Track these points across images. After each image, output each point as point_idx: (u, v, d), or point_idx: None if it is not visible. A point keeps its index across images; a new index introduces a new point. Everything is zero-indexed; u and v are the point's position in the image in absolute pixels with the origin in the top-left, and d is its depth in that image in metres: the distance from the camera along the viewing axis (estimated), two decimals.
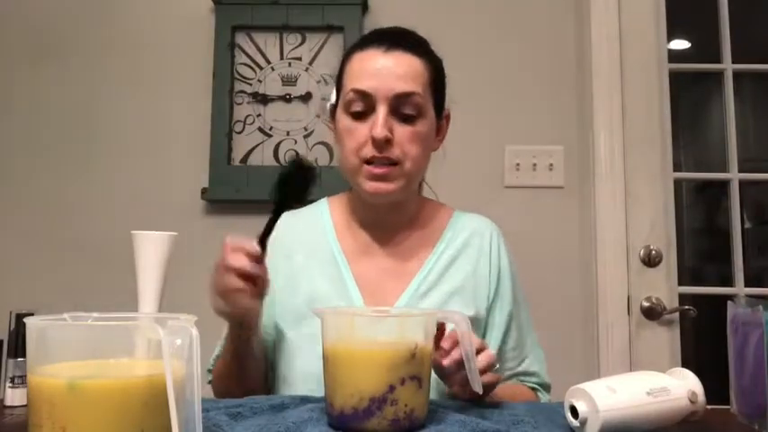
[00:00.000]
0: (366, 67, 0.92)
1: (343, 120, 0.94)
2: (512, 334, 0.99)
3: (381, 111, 0.90)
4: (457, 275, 0.98)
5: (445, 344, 0.75)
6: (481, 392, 0.74)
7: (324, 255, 0.99)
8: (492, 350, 0.91)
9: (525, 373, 1.00)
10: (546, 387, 1.02)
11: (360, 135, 0.91)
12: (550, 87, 1.73)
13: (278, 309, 0.97)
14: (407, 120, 0.91)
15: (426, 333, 0.70)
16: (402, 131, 0.91)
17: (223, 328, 0.91)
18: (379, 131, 0.88)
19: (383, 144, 0.89)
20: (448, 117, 1.02)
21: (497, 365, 0.73)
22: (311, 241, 1.00)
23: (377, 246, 0.99)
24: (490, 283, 0.99)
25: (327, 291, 0.95)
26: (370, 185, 0.92)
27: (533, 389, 1.00)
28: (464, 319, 0.72)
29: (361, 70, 0.92)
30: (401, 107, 0.91)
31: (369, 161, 0.91)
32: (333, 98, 1.00)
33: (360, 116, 0.92)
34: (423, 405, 0.68)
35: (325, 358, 0.70)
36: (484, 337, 0.97)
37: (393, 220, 1.00)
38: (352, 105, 0.92)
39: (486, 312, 0.98)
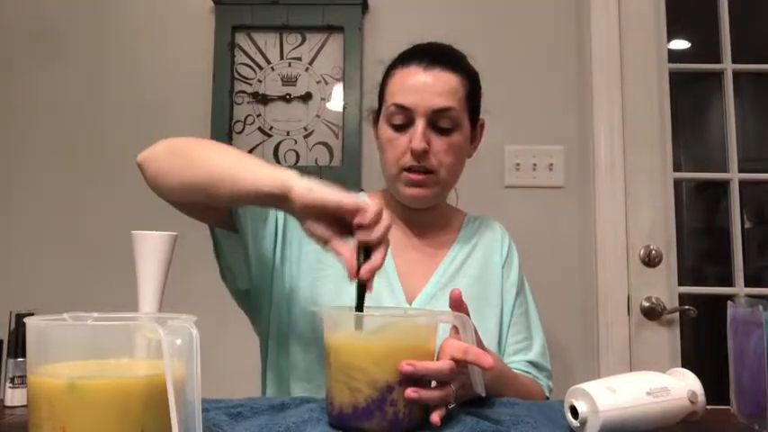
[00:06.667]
0: (407, 83, 1.00)
1: (385, 131, 1.02)
2: (519, 306, 1.08)
3: (420, 124, 0.98)
4: (474, 265, 1.07)
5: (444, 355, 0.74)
6: (483, 394, 0.75)
7: None
8: (505, 323, 1.05)
9: (532, 364, 1.06)
10: (547, 372, 1.08)
11: (400, 145, 1.00)
12: (550, 87, 1.73)
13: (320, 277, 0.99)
14: (444, 132, 1.00)
15: (428, 333, 0.70)
16: (439, 143, 0.99)
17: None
18: (418, 144, 0.97)
19: (421, 155, 0.98)
20: (482, 126, 1.11)
21: (452, 404, 0.73)
22: None
23: (408, 241, 1.08)
24: (502, 263, 1.10)
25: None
26: (408, 191, 1.01)
27: (531, 375, 1.05)
28: (468, 320, 0.73)
29: (403, 86, 1.00)
30: (438, 121, 0.99)
31: (407, 169, 1.00)
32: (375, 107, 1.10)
33: (400, 128, 1.00)
34: (422, 406, 0.68)
35: (325, 357, 0.70)
36: (499, 312, 1.06)
37: (423, 220, 1.08)
38: (394, 118, 1.00)
39: (500, 289, 1.07)
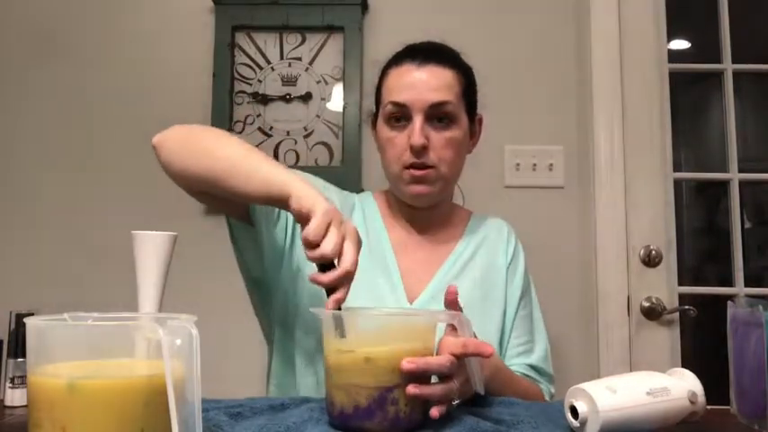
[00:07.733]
0: (402, 81, 1.00)
1: (384, 130, 1.03)
2: (523, 308, 1.08)
3: (418, 120, 0.98)
4: (478, 265, 1.07)
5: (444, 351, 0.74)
6: (483, 392, 0.74)
7: (376, 240, 1.06)
8: (507, 326, 1.05)
9: (534, 368, 1.05)
10: (549, 377, 1.07)
11: (399, 143, 1.00)
12: (550, 87, 1.73)
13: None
14: (442, 127, 1.00)
15: (427, 332, 0.70)
16: (437, 138, 1.00)
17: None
18: (416, 139, 0.97)
19: (420, 150, 0.98)
20: (480, 121, 1.11)
21: (456, 400, 0.73)
22: (367, 225, 1.07)
23: (412, 239, 1.08)
24: (507, 264, 1.09)
25: (374, 271, 1.01)
26: (411, 189, 1.01)
27: (531, 378, 1.05)
28: (467, 320, 0.73)
29: (398, 84, 1.01)
30: (436, 116, 0.99)
31: (408, 167, 1.00)
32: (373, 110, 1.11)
33: (398, 126, 1.01)
34: (423, 405, 0.68)
35: (326, 357, 0.70)
36: (502, 314, 1.05)
37: (427, 219, 1.08)
38: (391, 116, 1.01)
39: (504, 291, 1.07)
